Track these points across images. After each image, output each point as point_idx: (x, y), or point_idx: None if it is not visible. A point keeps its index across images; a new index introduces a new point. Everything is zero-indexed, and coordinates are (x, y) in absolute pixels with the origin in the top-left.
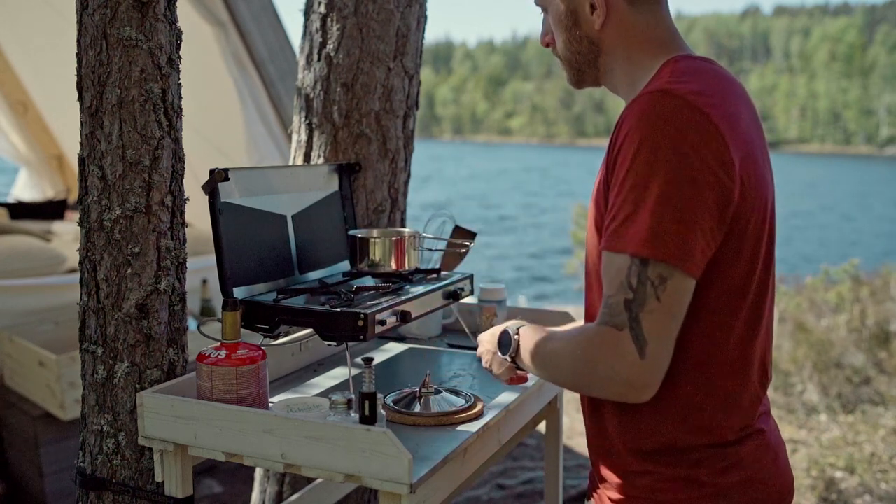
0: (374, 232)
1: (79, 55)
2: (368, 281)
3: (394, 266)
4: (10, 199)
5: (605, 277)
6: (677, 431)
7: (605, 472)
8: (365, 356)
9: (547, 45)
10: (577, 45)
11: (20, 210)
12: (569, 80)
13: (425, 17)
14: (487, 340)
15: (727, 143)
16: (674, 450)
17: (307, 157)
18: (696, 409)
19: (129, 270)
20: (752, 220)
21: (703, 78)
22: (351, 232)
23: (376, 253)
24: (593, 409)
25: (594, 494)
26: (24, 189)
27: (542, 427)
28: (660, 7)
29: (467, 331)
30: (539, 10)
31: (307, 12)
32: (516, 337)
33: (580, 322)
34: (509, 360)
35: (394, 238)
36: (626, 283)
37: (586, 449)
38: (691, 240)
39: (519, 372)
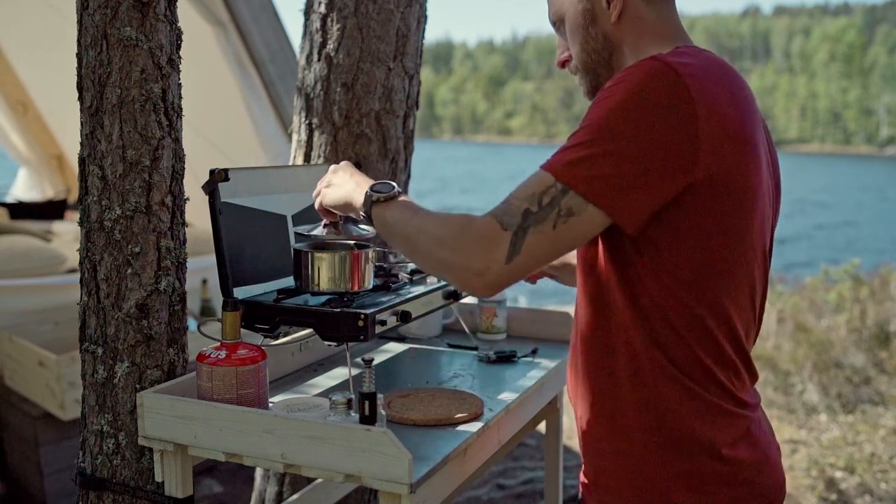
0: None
1: (79, 55)
2: None
3: (352, 287)
4: (10, 199)
5: (523, 184)
6: (664, 439)
7: (594, 477)
8: (365, 356)
9: (562, 65)
10: (593, 43)
11: (20, 210)
12: (586, 92)
13: (425, 17)
14: (342, 169)
15: (698, 121)
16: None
17: (307, 157)
18: (683, 416)
19: (129, 270)
20: (741, 218)
21: (702, 62)
22: (296, 245)
23: (324, 270)
24: (581, 424)
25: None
26: (24, 189)
27: (542, 427)
28: (670, 2)
29: (467, 331)
30: (556, 31)
31: (307, 12)
32: (397, 191)
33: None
34: (372, 199)
35: (346, 253)
36: (538, 197)
37: None
38: (628, 197)
39: None
